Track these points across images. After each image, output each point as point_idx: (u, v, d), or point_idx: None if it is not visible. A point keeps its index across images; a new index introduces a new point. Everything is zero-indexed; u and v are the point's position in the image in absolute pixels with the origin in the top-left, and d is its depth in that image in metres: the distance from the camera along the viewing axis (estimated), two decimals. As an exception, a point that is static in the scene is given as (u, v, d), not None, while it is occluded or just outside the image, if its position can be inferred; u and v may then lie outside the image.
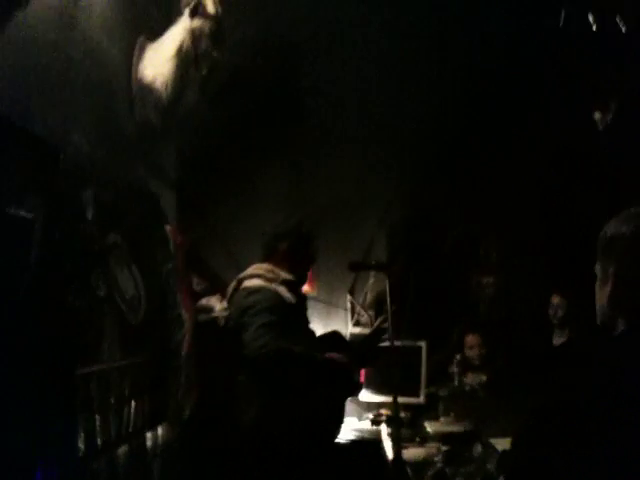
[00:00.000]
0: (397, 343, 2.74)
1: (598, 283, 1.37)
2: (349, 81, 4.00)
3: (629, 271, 1.28)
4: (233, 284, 2.85)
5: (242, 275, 2.82)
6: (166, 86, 2.61)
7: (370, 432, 3.55)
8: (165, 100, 2.65)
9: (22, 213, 1.71)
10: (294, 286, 2.82)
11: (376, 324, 2.87)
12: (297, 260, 2.86)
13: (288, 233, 2.88)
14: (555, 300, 4.08)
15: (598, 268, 1.38)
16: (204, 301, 3.33)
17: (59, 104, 2.03)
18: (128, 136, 2.66)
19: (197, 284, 3.40)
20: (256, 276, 2.76)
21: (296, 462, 2.53)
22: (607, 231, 1.36)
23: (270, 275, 2.76)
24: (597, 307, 1.37)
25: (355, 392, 3.10)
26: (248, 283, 2.75)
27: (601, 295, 1.35)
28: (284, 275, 2.78)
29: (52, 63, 2.00)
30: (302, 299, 2.88)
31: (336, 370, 2.66)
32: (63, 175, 1.97)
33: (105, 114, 2.45)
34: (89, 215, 2.15)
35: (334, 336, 2.96)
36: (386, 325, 2.77)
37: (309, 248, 2.93)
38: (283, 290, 2.73)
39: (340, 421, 2.85)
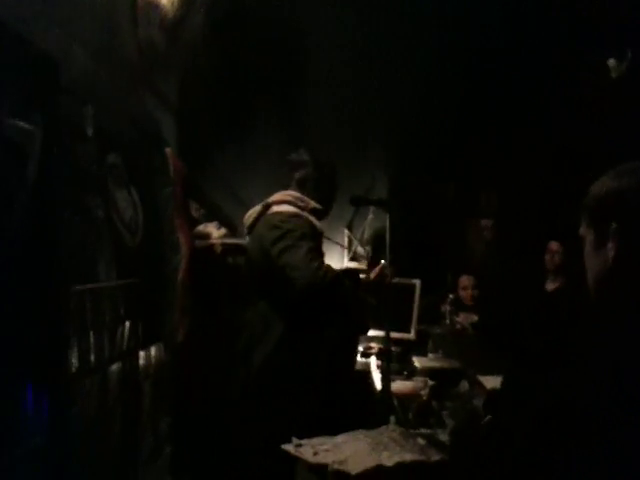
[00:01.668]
0: (393, 280, 2.75)
1: (591, 247, 1.27)
2: (356, 23, 3.90)
3: (637, 223, 1.19)
4: (258, 208, 2.73)
5: (270, 200, 2.71)
6: (172, 3, 2.53)
7: (360, 364, 3.61)
8: (170, 19, 2.58)
9: (22, 125, 1.68)
10: (320, 215, 2.74)
11: (377, 272, 2.79)
12: (316, 188, 2.75)
13: (304, 162, 2.79)
14: (553, 246, 4.10)
15: (588, 231, 1.29)
16: (201, 227, 3.33)
17: (61, 19, 1.97)
18: (131, 55, 2.59)
19: (195, 210, 3.40)
20: (286, 202, 2.66)
21: (297, 391, 2.54)
22: (600, 188, 1.26)
23: (300, 203, 2.66)
24: (592, 273, 1.27)
25: (364, 333, 3.13)
26: (279, 208, 2.64)
27: (598, 258, 1.25)
28: (313, 204, 2.69)
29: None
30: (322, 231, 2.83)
31: (366, 306, 2.67)
32: (64, 91, 1.93)
33: (108, 31, 2.38)
34: (89, 133, 2.12)
35: (349, 274, 2.91)
36: (387, 272, 2.73)
37: (328, 176, 2.81)
38: (314, 219, 2.65)
39: (354, 359, 2.85)
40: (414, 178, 4.83)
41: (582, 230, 1.32)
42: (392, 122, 4.31)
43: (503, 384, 1.33)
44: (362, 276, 2.86)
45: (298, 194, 2.70)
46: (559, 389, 1.09)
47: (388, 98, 4.19)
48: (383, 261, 2.73)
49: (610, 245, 1.22)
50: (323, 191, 2.78)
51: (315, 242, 2.50)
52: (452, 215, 5.03)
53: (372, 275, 2.76)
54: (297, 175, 2.76)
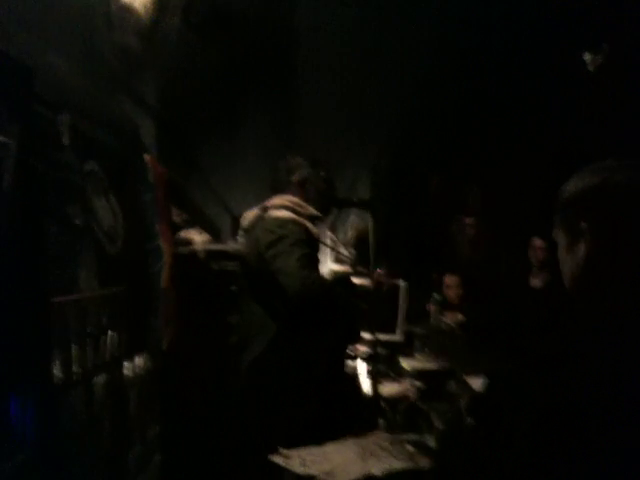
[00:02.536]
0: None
1: (563, 248, 1.30)
2: (343, 21, 3.86)
3: (606, 222, 1.21)
4: (255, 212, 2.71)
5: (267, 204, 2.68)
6: (145, 7, 2.49)
7: (347, 367, 3.61)
8: (145, 23, 2.54)
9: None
10: (318, 222, 2.73)
11: (374, 280, 2.77)
12: (315, 191, 2.75)
13: (300, 164, 2.78)
14: (536, 242, 4.11)
15: (559, 233, 1.31)
16: (184, 233, 3.30)
17: (34, 25, 1.93)
18: (106, 60, 2.56)
19: (177, 215, 3.36)
20: (284, 207, 2.64)
21: (284, 398, 2.52)
22: (568, 189, 1.29)
23: (299, 209, 2.65)
24: (567, 274, 1.29)
25: (356, 340, 3.12)
26: (277, 213, 2.61)
27: (571, 258, 1.27)
28: (311, 210, 2.68)
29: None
30: (320, 237, 2.80)
31: (356, 315, 2.66)
32: (38, 99, 1.89)
33: (82, 36, 2.34)
34: (65, 141, 2.08)
35: (345, 281, 2.90)
36: (383, 280, 2.73)
37: (326, 175, 2.80)
38: (311, 226, 2.63)
39: (341, 369, 2.86)
40: (396, 175, 4.82)
41: (554, 233, 1.34)
42: (376, 119, 4.30)
43: (494, 384, 1.32)
44: (357, 281, 2.84)
45: (297, 199, 2.68)
46: (559, 389, 1.09)
47: (375, 96, 4.17)
48: (379, 269, 2.72)
49: (581, 244, 1.24)
50: (323, 191, 2.77)
51: (309, 249, 2.48)
52: (436, 214, 5.03)
53: (370, 283, 2.75)
54: (295, 178, 2.74)
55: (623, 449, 1.01)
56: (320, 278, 2.41)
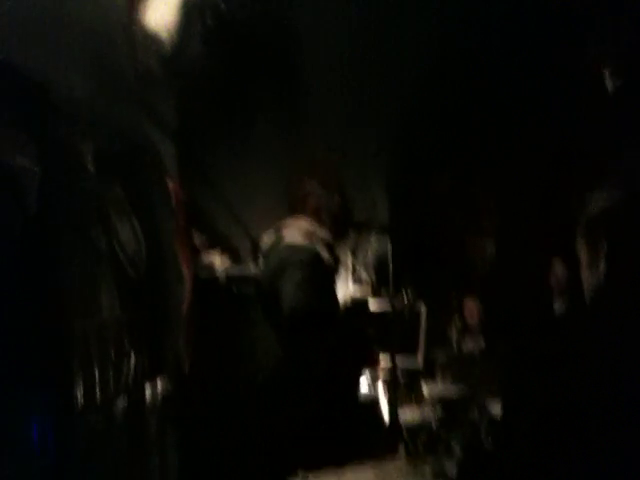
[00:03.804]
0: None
1: (585, 265, 1.34)
2: (348, 29, 3.87)
3: (626, 240, 1.24)
4: (272, 237, 2.78)
5: (282, 229, 2.76)
6: (170, 36, 2.54)
7: (367, 396, 3.58)
8: (168, 50, 2.58)
9: (21, 162, 1.67)
10: (332, 247, 2.77)
11: (395, 305, 2.81)
12: (329, 216, 2.79)
13: (314, 190, 2.80)
14: (557, 265, 4.07)
15: (582, 250, 1.35)
16: (205, 257, 3.31)
17: (58, 51, 1.97)
18: (129, 86, 2.59)
19: (198, 239, 3.38)
20: (297, 232, 2.71)
21: (303, 422, 2.52)
22: (591, 210, 1.33)
23: (312, 234, 2.71)
24: (588, 291, 1.32)
25: (371, 364, 3.13)
26: (290, 239, 2.70)
27: (592, 277, 1.31)
28: (324, 235, 2.74)
29: (50, 8, 1.93)
30: (337, 261, 2.82)
31: (362, 344, 2.67)
32: (62, 124, 1.92)
33: (106, 62, 2.38)
34: (89, 166, 2.11)
35: (361, 307, 2.91)
36: (405, 305, 2.76)
37: (339, 202, 2.85)
38: (323, 251, 2.68)
39: (355, 393, 2.86)
40: (414, 189, 4.79)
41: (577, 251, 1.35)
42: (390, 135, 4.29)
43: (510, 408, 1.33)
44: (376, 306, 2.83)
45: (310, 224, 2.72)
46: (559, 389, 1.10)
47: (384, 104, 4.16)
48: (406, 295, 2.76)
49: (602, 263, 1.24)
50: (337, 216, 2.79)
51: (315, 274, 2.51)
52: (453, 234, 4.99)
53: (390, 308, 2.77)
54: (309, 203, 2.77)
55: (623, 449, 1.01)
56: (319, 302, 2.44)
